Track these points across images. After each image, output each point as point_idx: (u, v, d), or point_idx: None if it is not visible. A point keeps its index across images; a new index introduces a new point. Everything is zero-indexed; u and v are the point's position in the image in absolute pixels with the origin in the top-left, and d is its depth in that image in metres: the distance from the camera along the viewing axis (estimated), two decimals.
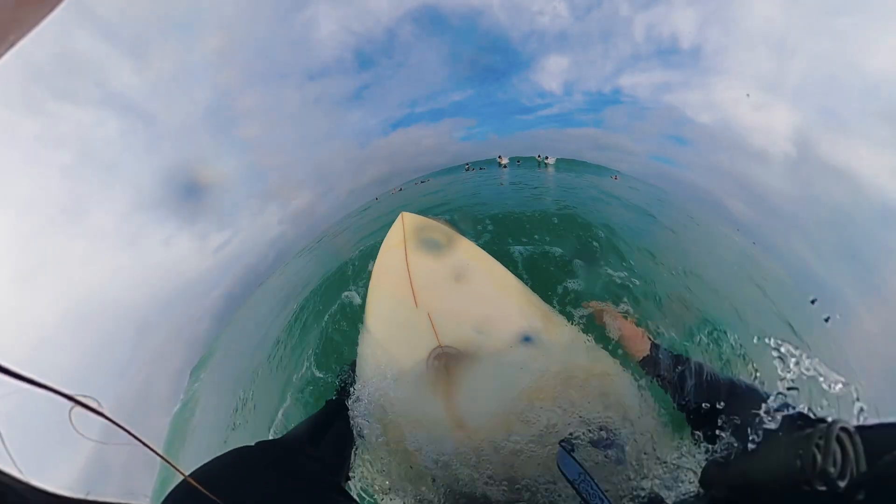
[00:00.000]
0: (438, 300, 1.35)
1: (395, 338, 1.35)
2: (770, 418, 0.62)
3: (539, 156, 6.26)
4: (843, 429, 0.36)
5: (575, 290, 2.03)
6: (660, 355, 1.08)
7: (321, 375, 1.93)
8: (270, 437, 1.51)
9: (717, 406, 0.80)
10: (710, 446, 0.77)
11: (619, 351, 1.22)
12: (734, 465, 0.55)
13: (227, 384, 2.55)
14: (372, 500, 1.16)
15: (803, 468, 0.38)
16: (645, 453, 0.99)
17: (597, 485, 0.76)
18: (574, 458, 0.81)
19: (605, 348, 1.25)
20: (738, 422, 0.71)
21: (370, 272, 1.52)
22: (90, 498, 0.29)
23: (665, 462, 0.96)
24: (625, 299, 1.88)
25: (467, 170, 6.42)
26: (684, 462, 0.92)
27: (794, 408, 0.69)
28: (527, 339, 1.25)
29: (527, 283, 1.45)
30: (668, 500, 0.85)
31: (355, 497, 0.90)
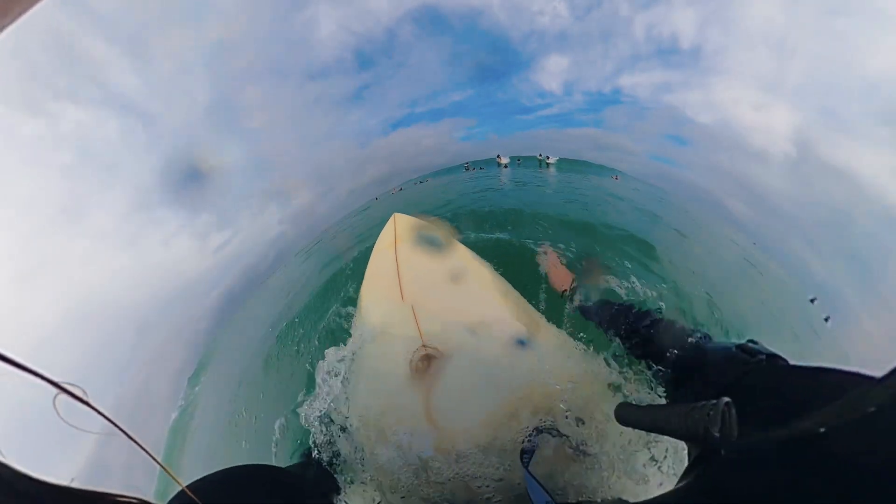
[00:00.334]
0: (424, 295, 1.37)
1: (380, 331, 1.37)
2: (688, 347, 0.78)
3: (540, 155, 6.14)
4: (727, 404, 0.44)
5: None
6: (577, 294, 1.29)
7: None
8: (270, 439, 1.51)
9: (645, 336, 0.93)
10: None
11: (613, 361, 1.23)
12: (645, 412, 0.64)
13: (227, 385, 2.55)
14: None
15: (695, 429, 0.48)
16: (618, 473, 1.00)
17: None
18: (540, 483, 0.80)
19: (603, 358, 1.24)
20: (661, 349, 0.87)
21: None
22: (73, 485, 0.29)
23: (637, 478, 0.97)
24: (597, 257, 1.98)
25: (466, 169, 6.38)
26: (661, 479, 0.93)
27: (704, 335, 0.82)
28: (521, 343, 1.24)
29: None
30: None
31: None
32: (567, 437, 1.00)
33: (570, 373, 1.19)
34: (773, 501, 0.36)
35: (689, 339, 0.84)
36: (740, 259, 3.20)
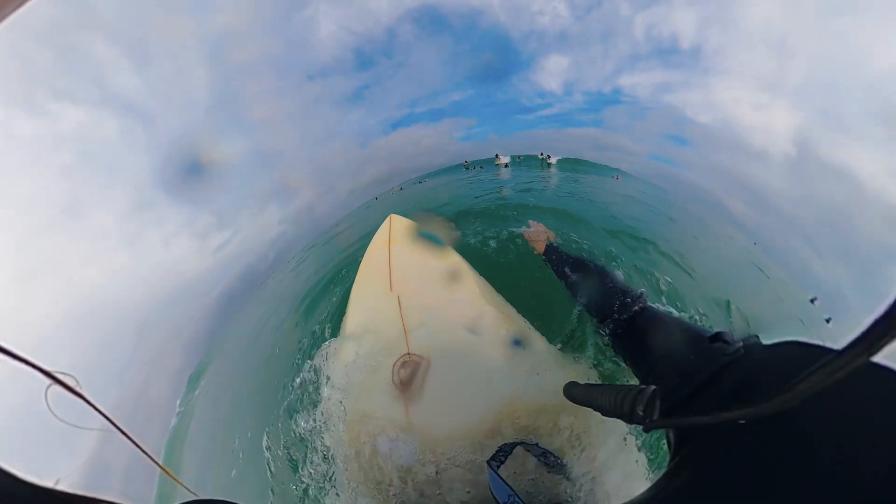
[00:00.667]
0: (411, 289, 1.41)
1: (368, 322, 1.41)
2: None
3: (542, 154, 6.01)
4: (654, 391, 0.50)
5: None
6: (554, 255, 1.36)
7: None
8: (268, 444, 1.51)
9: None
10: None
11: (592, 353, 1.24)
12: (585, 389, 0.70)
13: (226, 386, 2.54)
14: None
15: (622, 407, 0.55)
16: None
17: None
18: (502, 479, 0.80)
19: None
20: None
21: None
22: (58, 487, 0.29)
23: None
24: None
25: (466, 168, 6.35)
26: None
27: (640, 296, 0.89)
28: (517, 343, 1.25)
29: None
30: None
31: None
32: (545, 451, 1.00)
33: (554, 383, 1.18)
34: (745, 487, 0.36)
35: (670, 333, 0.84)
36: (740, 259, 3.20)
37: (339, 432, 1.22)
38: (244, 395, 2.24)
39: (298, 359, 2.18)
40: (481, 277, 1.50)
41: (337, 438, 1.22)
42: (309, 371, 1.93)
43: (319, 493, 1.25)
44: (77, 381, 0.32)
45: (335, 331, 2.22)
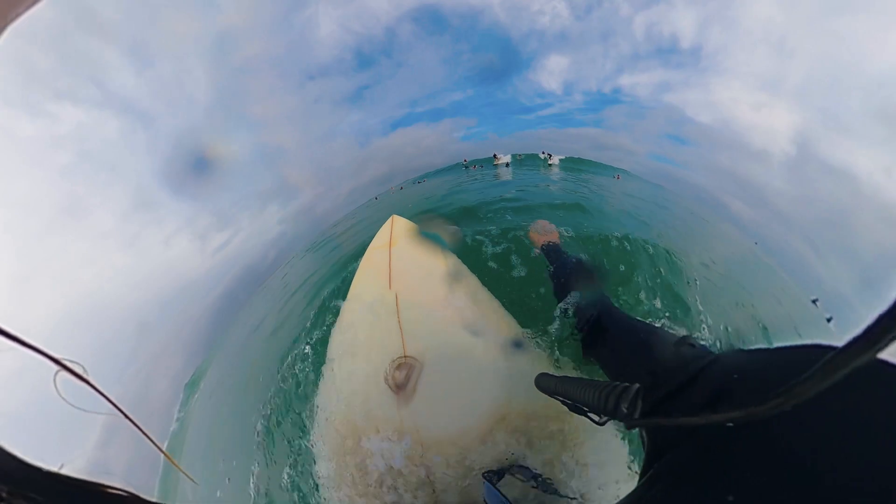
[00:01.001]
0: (410, 288, 1.41)
1: (364, 323, 1.40)
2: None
3: (543, 153, 5.85)
4: (638, 390, 0.52)
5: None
6: (551, 255, 1.38)
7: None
8: (268, 445, 1.51)
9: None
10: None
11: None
12: (561, 381, 0.70)
13: (226, 386, 2.54)
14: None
15: (606, 403, 0.56)
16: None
17: None
18: (499, 491, 0.79)
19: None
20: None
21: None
22: (63, 472, 0.29)
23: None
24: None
25: (466, 166, 6.32)
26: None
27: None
28: (517, 345, 1.25)
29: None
30: None
31: None
32: (536, 474, 0.99)
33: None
34: (722, 496, 0.35)
35: (637, 335, 0.85)
36: (741, 259, 3.20)
37: (333, 432, 1.23)
38: (244, 395, 2.25)
39: (297, 357, 2.18)
40: (479, 281, 1.50)
41: (330, 438, 1.22)
42: (306, 371, 1.94)
43: (312, 492, 1.25)
44: (84, 369, 0.33)
45: (333, 330, 2.22)
